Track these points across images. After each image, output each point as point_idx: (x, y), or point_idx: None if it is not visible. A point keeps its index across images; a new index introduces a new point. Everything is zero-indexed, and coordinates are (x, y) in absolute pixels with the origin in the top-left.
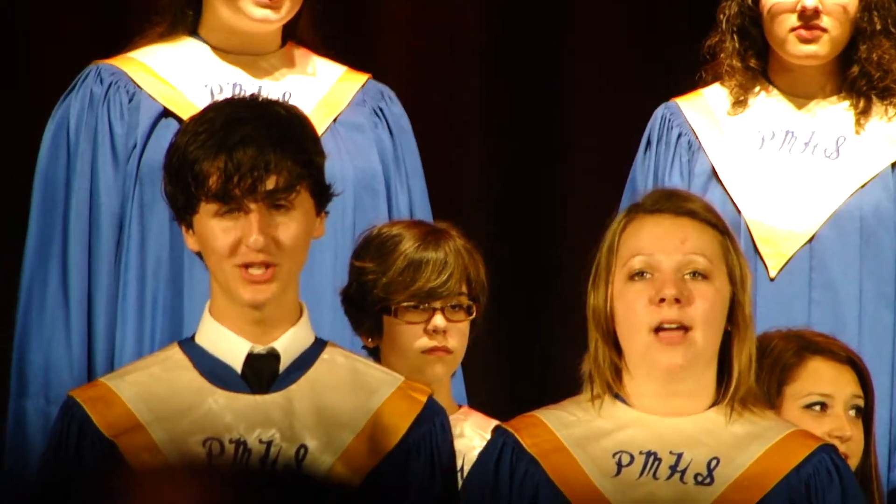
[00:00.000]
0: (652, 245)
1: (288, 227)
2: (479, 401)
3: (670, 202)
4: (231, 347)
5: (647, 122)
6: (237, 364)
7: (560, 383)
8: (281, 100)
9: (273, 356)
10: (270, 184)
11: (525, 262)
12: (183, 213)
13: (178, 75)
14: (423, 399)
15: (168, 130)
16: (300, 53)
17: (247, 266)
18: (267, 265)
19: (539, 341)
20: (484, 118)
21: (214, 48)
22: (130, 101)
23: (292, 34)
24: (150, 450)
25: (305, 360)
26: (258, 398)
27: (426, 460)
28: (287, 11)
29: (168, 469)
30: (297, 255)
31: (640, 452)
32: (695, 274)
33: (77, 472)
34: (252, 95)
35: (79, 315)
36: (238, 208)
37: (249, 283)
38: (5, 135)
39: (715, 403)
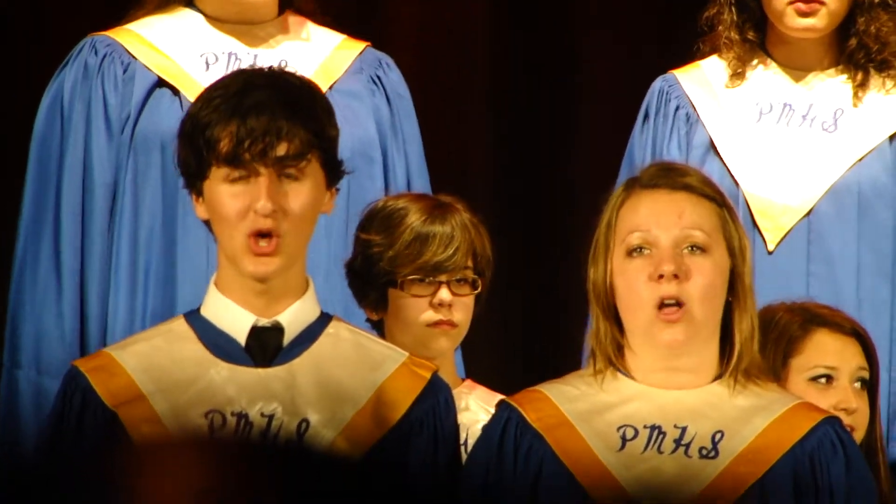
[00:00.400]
0: (649, 221)
1: (297, 196)
2: (483, 375)
3: (667, 177)
4: (235, 320)
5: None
6: (241, 337)
7: (565, 355)
8: (270, 65)
9: (277, 329)
10: (281, 150)
11: (531, 237)
12: (194, 179)
13: (172, 45)
14: (428, 375)
15: (162, 100)
16: (297, 22)
17: (255, 235)
18: (272, 235)
19: (545, 315)
20: (489, 94)
21: (210, 17)
22: (125, 71)
23: (290, 3)
24: (151, 421)
25: (310, 334)
26: (261, 371)
27: (429, 436)
28: None
29: (171, 446)
30: (304, 226)
31: (645, 426)
32: (693, 248)
33: (78, 442)
34: (269, 67)
35: (71, 286)
36: (248, 174)
37: (255, 254)
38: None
39: (719, 376)
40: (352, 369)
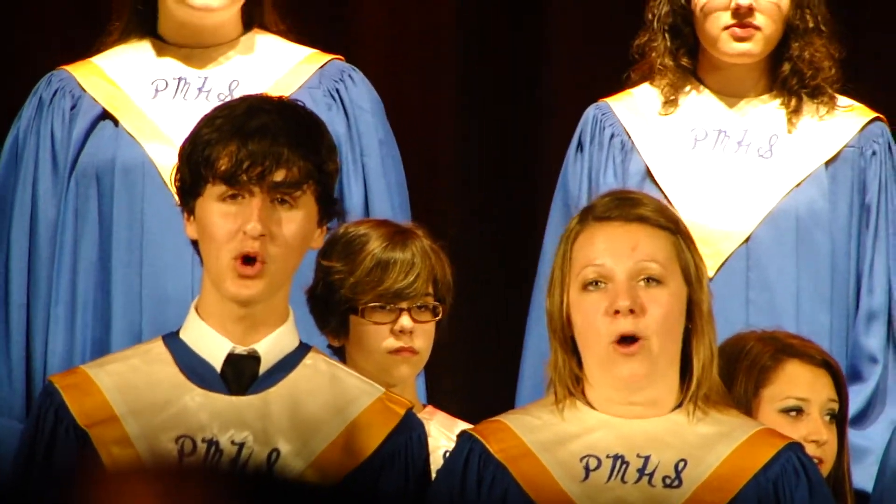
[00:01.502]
0: (603, 254)
1: (287, 224)
2: (444, 400)
3: (621, 208)
4: (213, 345)
5: None
6: (217, 363)
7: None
8: (228, 89)
9: (253, 358)
10: (279, 176)
11: (499, 251)
12: (188, 196)
13: (124, 74)
14: (402, 412)
15: (104, 132)
16: (261, 40)
17: (241, 257)
18: (257, 259)
19: (511, 336)
20: (459, 102)
21: (169, 44)
22: (74, 106)
23: (258, 21)
24: (122, 443)
25: (287, 364)
26: (234, 399)
27: (400, 471)
28: (230, 0)
29: (135, 471)
30: (290, 255)
31: (608, 456)
32: (648, 280)
33: (49, 460)
34: (280, 97)
35: (18, 325)
36: (242, 194)
37: (238, 276)
38: None
39: (679, 404)
40: (326, 402)
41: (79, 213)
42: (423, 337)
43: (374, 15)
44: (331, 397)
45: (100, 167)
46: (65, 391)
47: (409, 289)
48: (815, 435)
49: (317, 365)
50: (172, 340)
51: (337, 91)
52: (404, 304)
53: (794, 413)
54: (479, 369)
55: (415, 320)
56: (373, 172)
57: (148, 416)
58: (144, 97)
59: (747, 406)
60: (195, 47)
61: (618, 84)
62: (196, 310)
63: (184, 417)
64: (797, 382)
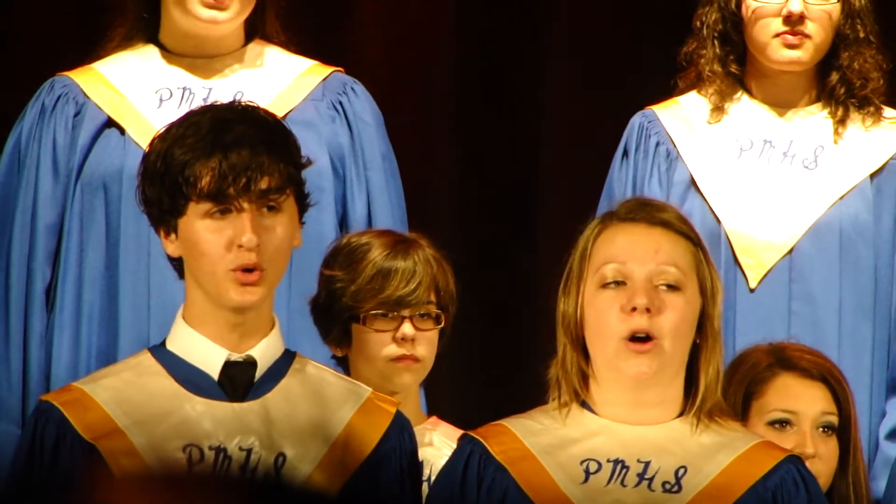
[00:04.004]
0: (625, 253)
1: (277, 230)
2: (446, 411)
3: (645, 211)
4: (207, 354)
5: (621, 121)
6: (213, 371)
7: (529, 390)
8: (235, 100)
9: (250, 364)
10: (264, 184)
11: (495, 263)
12: (167, 216)
13: (128, 83)
14: (393, 410)
15: (110, 140)
16: (264, 51)
17: (240, 270)
18: (256, 268)
19: (510, 347)
20: (455, 119)
21: (171, 52)
22: (78, 113)
23: (260, 32)
24: (130, 454)
25: (278, 370)
26: (236, 406)
27: (396, 471)
28: (236, 12)
29: (145, 478)
30: (282, 259)
31: (608, 460)
32: (667, 285)
33: (52, 476)
34: (237, 102)
35: (17, 329)
36: (230, 208)
37: (240, 284)
38: None
39: (681, 414)
40: (321, 405)
41: (84, 221)
42: (425, 345)
43: (372, 28)
44: (324, 400)
45: (107, 176)
46: (64, 407)
47: (411, 296)
48: (800, 448)
49: (305, 369)
50: (161, 352)
51: (340, 104)
52: (406, 312)
53: (779, 425)
54: (479, 382)
55: (417, 328)
56: (376, 185)
57: (151, 427)
58: (149, 106)
59: (738, 417)
60: (198, 57)
61: (616, 95)
62: (184, 320)
63: (187, 426)
64: (785, 395)
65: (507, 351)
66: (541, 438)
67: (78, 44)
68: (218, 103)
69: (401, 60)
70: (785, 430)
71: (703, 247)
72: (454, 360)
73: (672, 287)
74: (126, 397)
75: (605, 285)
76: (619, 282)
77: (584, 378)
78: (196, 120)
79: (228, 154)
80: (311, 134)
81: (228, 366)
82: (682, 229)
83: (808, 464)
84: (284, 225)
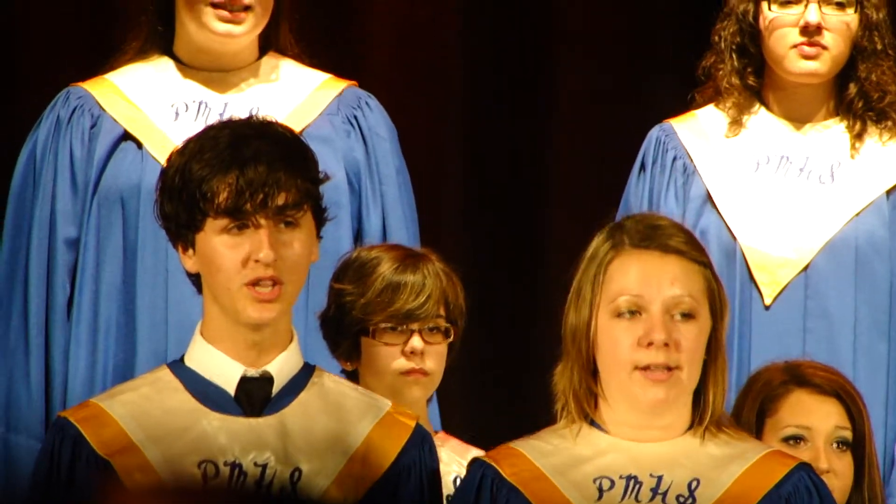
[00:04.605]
0: (640, 285)
1: (294, 245)
2: (456, 427)
3: (657, 237)
4: (224, 370)
5: (630, 136)
6: (230, 387)
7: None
8: (251, 114)
9: (266, 379)
10: (281, 200)
11: (504, 272)
12: (185, 231)
13: (144, 95)
14: (412, 423)
15: (127, 154)
16: (279, 64)
17: (255, 284)
18: (274, 282)
19: (519, 363)
20: (465, 125)
21: (186, 65)
22: (94, 125)
23: (274, 45)
24: (145, 470)
25: (296, 384)
26: (252, 421)
27: (416, 484)
28: (252, 25)
29: (159, 491)
30: (300, 274)
31: (621, 477)
32: (682, 314)
33: (69, 492)
34: (253, 117)
35: (37, 343)
36: (247, 224)
37: (257, 301)
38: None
39: (690, 427)
40: (340, 418)
41: (101, 235)
42: (434, 358)
43: (382, 43)
44: (343, 413)
45: (125, 190)
46: (80, 424)
47: (420, 310)
48: (814, 463)
49: (324, 383)
50: (179, 368)
51: (355, 118)
52: (415, 326)
53: (793, 441)
54: (490, 396)
55: (426, 341)
56: (390, 200)
57: (167, 443)
58: (165, 119)
59: (752, 433)
60: (214, 71)
61: (625, 107)
62: (202, 336)
63: (203, 442)
64: (798, 411)
65: (516, 359)
66: (552, 459)
67: (87, 53)
68: (236, 119)
69: (410, 65)
70: (799, 447)
71: (711, 266)
72: (464, 372)
73: (687, 316)
74: (143, 412)
75: (619, 314)
76: (634, 312)
77: (593, 396)
78: (214, 135)
79: (245, 170)
80: (327, 149)
81: (245, 381)
82: (694, 255)
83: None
84: (302, 240)
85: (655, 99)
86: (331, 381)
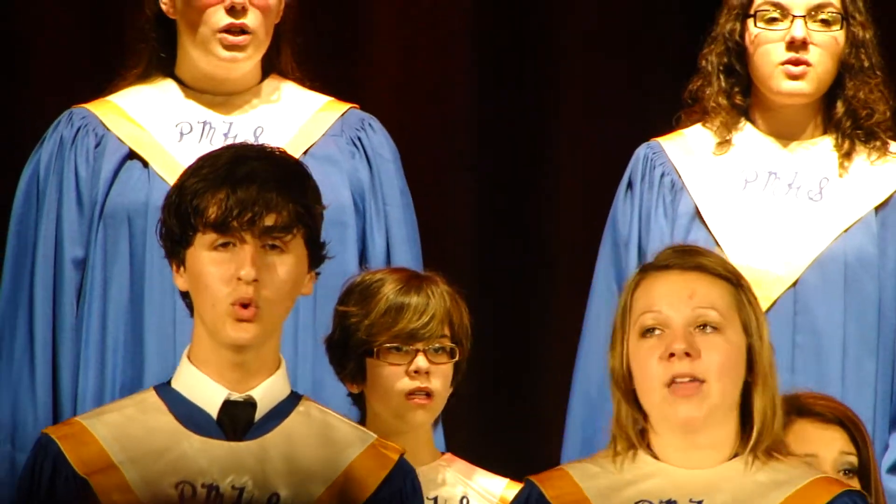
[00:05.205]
0: (661, 301)
1: (279, 269)
2: (462, 447)
3: (679, 257)
4: (208, 393)
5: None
6: (213, 410)
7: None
8: (253, 135)
9: (249, 404)
10: (269, 221)
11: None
12: (177, 246)
13: (148, 116)
14: (395, 457)
15: (132, 173)
16: (280, 87)
17: (238, 304)
18: (251, 304)
19: (524, 385)
20: (469, 156)
21: (189, 87)
22: (98, 145)
23: (275, 67)
24: (123, 490)
25: (281, 411)
26: (233, 445)
27: None
28: (254, 50)
29: None
30: (283, 299)
31: (661, 501)
32: (705, 327)
33: None
34: (259, 143)
35: (43, 362)
36: (233, 241)
37: (236, 320)
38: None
39: (737, 454)
40: (321, 448)
41: (108, 254)
42: (439, 379)
43: (386, 66)
44: (326, 443)
45: (131, 209)
46: (61, 441)
47: (424, 329)
48: None
49: (310, 412)
50: (165, 390)
51: (359, 139)
52: (419, 346)
53: None
54: (497, 417)
55: (431, 362)
56: (394, 222)
57: (147, 463)
58: (170, 139)
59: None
60: (216, 93)
61: (629, 122)
62: (188, 359)
63: (183, 463)
64: (802, 441)
65: (527, 385)
66: (598, 482)
67: (92, 73)
68: (244, 143)
69: (415, 88)
70: None
71: (744, 286)
72: (473, 395)
73: (712, 328)
74: (125, 433)
75: (644, 335)
76: (658, 329)
77: (643, 429)
78: (217, 154)
79: (237, 188)
80: (333, 169)
81: (228, 405)
82: (719, 271)
83: None
84: (288, 266)
85: (659, 113)
86: (317, 411)
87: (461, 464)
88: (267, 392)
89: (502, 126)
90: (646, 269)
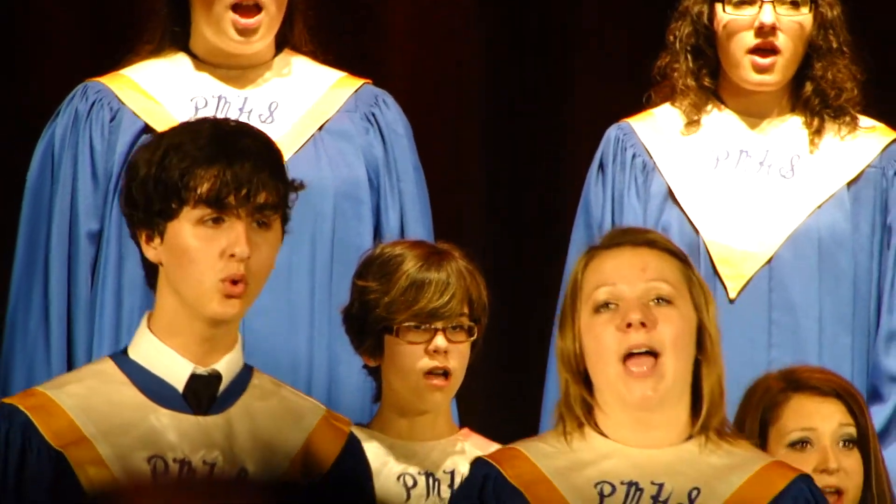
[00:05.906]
0: (614, 276)
1: (262, 248)
2: (476, 423)
3: (628, 235)
4: (173, 366)
5: None
6: (178, 383)
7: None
8: (268, 110)
9: (215, 378)
10: (262, 198)
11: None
12: (156, 219)
13: (162, 90)
14: (347, 430)
15: None
16: (294, 61)
17: (228, 280)
18: (242, 280)
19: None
20: (484, 133)
21: (202, 61)
22: (113, 118)
23: (288, 41)
24: (97, 463)
25: (239, 385)
26: (200, 419)
27: (354, 488)
28: (266, 29)
29: (139, 486)
30: (263, 278)
31: (622, 482)
32: (658, 300)
33: (20, 479)
34: (235, 119)
35: (59, 335)
36: (226, 217)
37: (224, 296)
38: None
39: (690, 435)
40: (279, 420)
41: (123, 228)
42: (457, 357)
43: (401, 42)
44: (282, 416)
45: None
46: (31, 412)
47: (444, 308)
48: (823, 464)
49: (263, 385)
50: (123, 360)
51: (373, 115)
52: (439, 324)
53: (799, 446)
54: (509, 392)
55: (450, 340)
56: (408, 197)
57: (117, 437)
58: (185, 114)
59: (756, 444)
60: (229, 68)
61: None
62: (150, 329)
63: (152, 438)
64: (801, 415)
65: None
66: (554, 461)
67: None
68: (213, 117)
69: (429, 64)
70: (805, 450)
71: (689, 263)
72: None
73: (664, 301)
74: (91, 405)
75: (598, 310)
76: (611, 304)
77: (589, 409)
78: (195, 128)
79: (233, 163)
80: (348, 145)
81: (194, 379)
82: (668, 246)
83: (834, 480)
84: (271, 244)
85: None
86: (270, 384)
87: (478, 438)
88: (229, 366)
89: (518, 101)
90: (593, 249)
